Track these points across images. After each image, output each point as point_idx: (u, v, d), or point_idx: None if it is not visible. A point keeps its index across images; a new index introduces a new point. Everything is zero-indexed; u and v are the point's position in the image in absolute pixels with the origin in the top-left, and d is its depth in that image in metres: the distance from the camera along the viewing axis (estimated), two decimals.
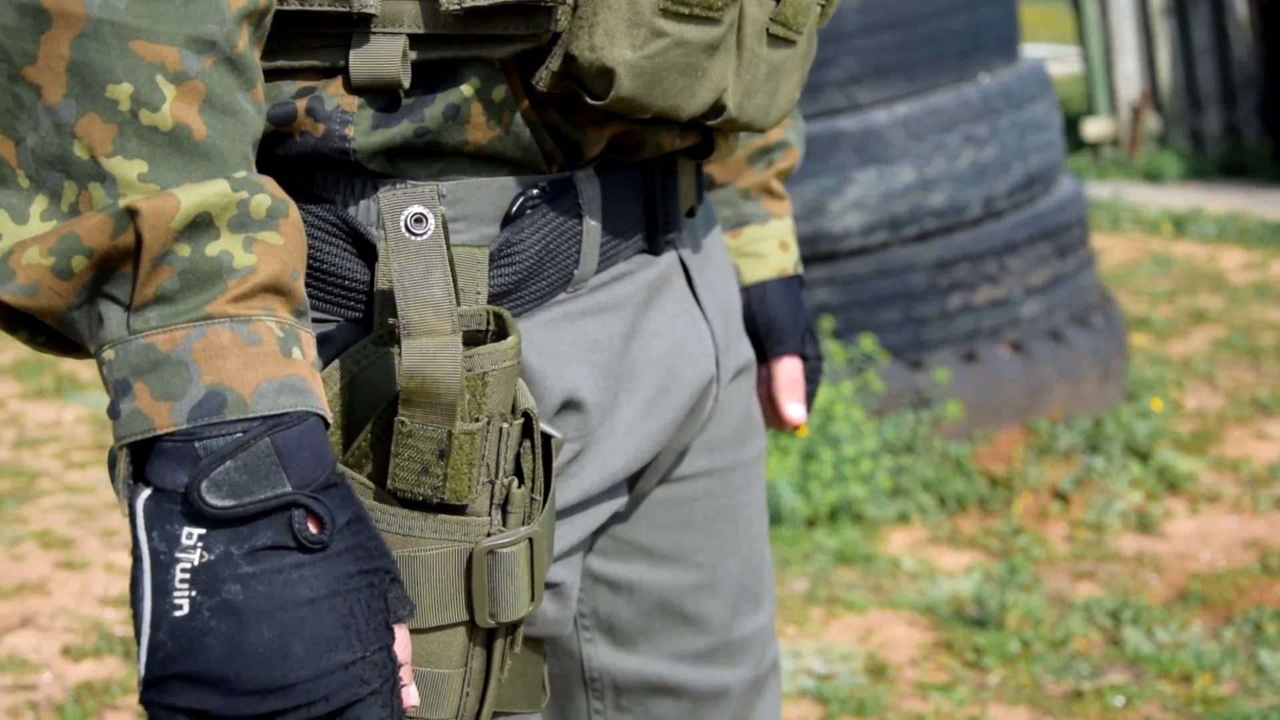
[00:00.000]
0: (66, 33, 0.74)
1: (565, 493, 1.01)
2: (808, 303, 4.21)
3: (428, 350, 0.85)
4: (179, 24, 0.75)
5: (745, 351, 1.24)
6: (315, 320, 0.93)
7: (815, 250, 3.99)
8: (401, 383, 0.85)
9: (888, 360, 4.00)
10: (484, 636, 0.92)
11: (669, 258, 1.10)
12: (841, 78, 4.02)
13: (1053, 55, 11.45)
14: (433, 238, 0.85)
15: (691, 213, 1.13)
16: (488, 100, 0.92)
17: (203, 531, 0.74)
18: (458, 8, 0.87)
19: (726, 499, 1.22)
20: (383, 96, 0.90)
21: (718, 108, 0.99)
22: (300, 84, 0.90)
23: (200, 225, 0.75)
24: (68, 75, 0.74)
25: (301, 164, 0.92)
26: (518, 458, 0.91)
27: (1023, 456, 3.96)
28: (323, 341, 0.92)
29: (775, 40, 1.01)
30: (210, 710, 0.75)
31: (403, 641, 0.82)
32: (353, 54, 0.88)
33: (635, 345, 1.05)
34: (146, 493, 0.75)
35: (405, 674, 0.82)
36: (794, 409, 1.38)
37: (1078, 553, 3.53)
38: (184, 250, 0.75)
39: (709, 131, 1.06)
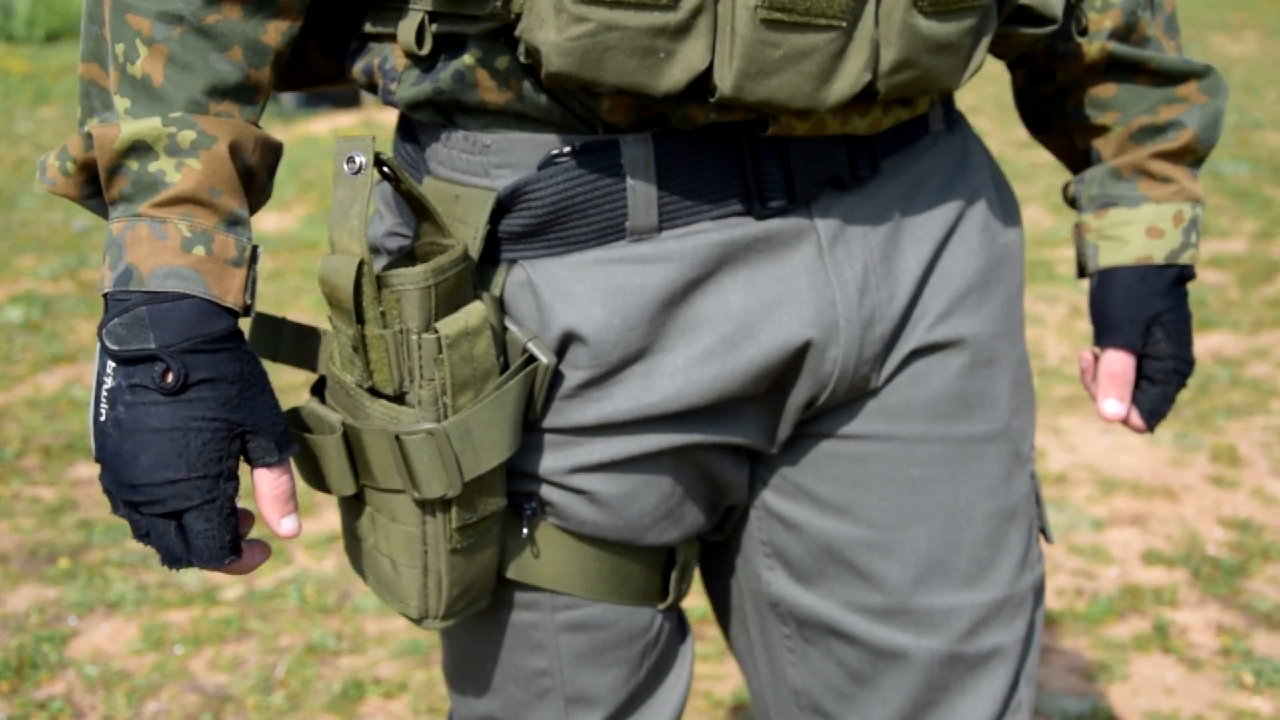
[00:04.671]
0: (109, 3, 1.07)
1: (581, 412, 1.14)
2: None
3: (334, 264, 1.06)
4: (155, 2, 1.04)
5: (958, 327, 1.21)
6: (402, 235, 1.18)
7: None
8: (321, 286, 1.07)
9: None
10: (433, 507, 1.11)
11: (786, 223, 1.13)
12: None
13: None
14: (361, 177, 1.05)
15: (837, 183, 1.15)
16: (492, 68, 1.09)
17: (114, 365, 1.05)
18: None
19: (913, 469, 1.23)
20: (426, 60, 1.11)
21: (708, 87, 1.04)
22: (389, 46, 1.14)
23: (140, 149, 1.04)
24: (109, 32, 1.07)
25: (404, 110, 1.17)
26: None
27: None
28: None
29: (787, 26, 1.01)
30: (110, 491, 1.06)
31: (272, 482, 1.06)
32: (399, 25, 1.11)
33: (701, 297, 1.12)
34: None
35: (272, 506, 1.06)
36: (1109, 404, 1.31)
37: None
38: (134, 166, 1.04)
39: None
